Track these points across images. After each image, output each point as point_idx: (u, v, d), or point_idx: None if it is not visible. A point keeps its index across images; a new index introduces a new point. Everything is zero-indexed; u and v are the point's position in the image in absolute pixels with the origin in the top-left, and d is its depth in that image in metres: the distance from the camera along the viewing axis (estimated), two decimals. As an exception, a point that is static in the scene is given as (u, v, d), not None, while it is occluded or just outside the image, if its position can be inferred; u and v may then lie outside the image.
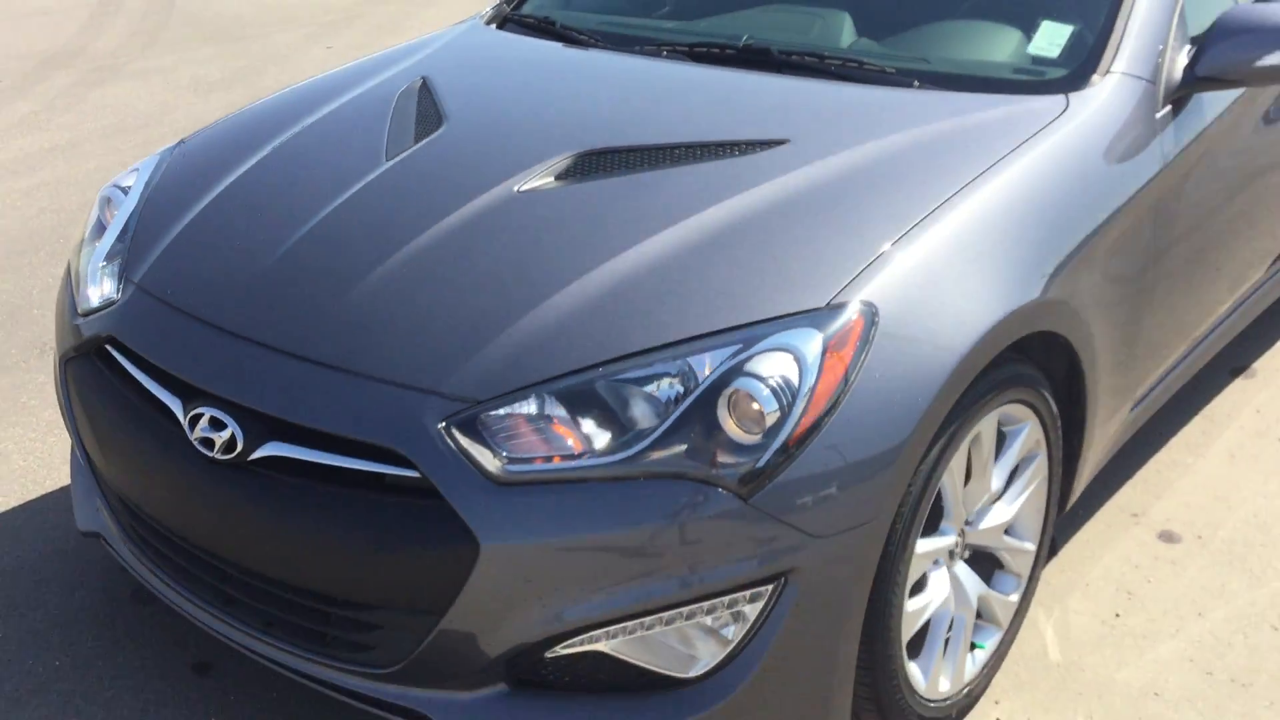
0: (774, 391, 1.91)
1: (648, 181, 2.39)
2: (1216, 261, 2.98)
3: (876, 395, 1.97)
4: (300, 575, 2.07)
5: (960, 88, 2.65)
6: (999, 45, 2.82)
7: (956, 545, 2.33)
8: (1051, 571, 2.84)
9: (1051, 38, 2.77)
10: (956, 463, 2.20)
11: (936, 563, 2.31)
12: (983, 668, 2.47)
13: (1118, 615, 2.72)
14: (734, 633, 1.96)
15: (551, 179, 2.45)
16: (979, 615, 2.46)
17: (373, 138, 2.73)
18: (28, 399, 3.61)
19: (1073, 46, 2.72)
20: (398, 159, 2.61)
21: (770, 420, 1.90)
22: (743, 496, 1.89)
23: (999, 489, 2.37)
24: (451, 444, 1.92)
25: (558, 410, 1.96)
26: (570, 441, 1.93)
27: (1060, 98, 2.57)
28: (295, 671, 2.15)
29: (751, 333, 1.98)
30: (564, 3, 3.46)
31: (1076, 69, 2.65)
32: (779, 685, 2.00)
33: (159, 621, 2.67)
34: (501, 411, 1.96)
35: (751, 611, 1.95)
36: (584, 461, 1.91)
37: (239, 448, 2.06)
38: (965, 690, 2.42)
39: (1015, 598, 2.53)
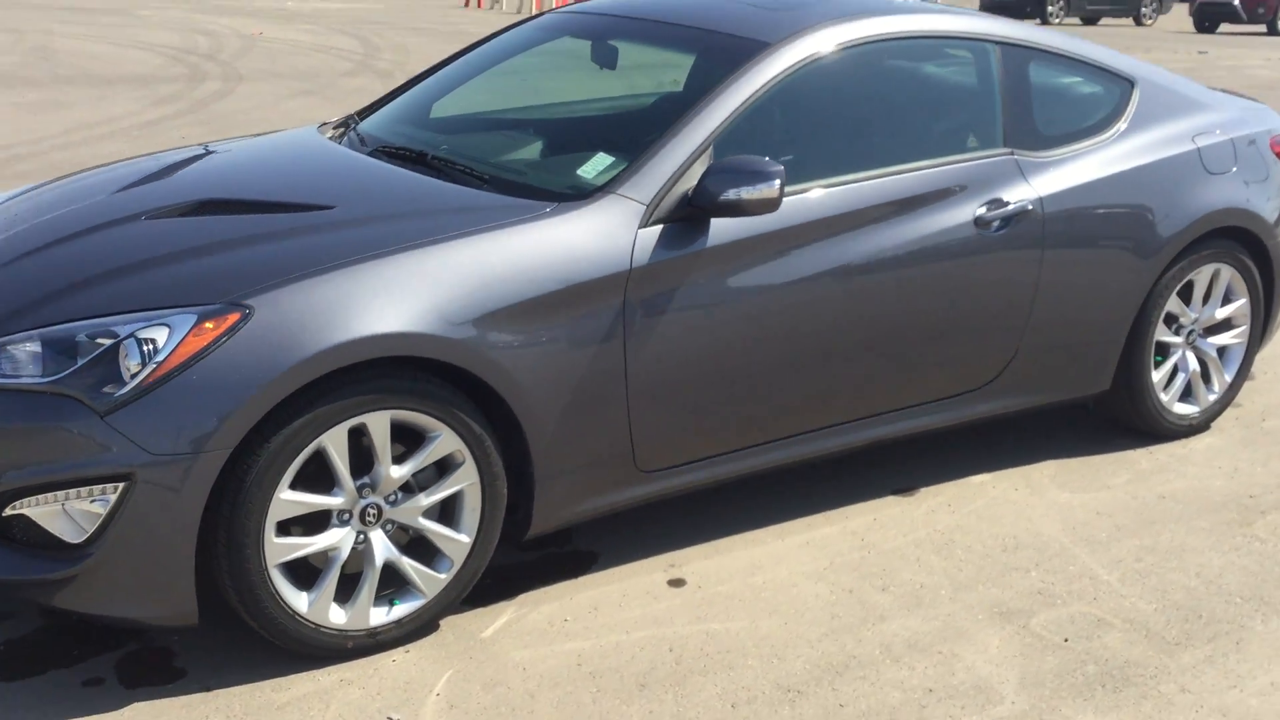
0: (144, 351, 2.83)
1: (211, 220, 3.39)
2: (762, 373, 3.60)
3: (224, 369, 2.84)
4: None
5: (507, 191, 3.49)
6: (578, 167, 3.63)
7: (358, 512, 3.09)
8: (569, 586, 3.51)
9: (596, 165, 3.57)
10: (333, 440, 3.00)
11: (343, 517, 3.09)
12: (396, 621, 3.20)
13: (566, 620, 3.36)
14: (100, 511, 2.84)
15: (172, 214, 3.47)
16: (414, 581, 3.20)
17: (120, 182, 3.84)
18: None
19: (606, 172, 3.51)
20: (109, 195, 3.70)
21: (134, 368, 2.81)
22: (101, 414, 2.80)
23: (401, 477, 3.12)
24: None
25: (33, 346, 2.93)
26: (27, 366, 2.91)
27: (553, 204, 3.37)
28: None
29: (161, 314, 2.91)
30: (388, 120, 4.47)
31: (588, 187, 3.44)
32: (129, 557, 2.86)
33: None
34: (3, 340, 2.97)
35: (111, 498, 2.83)
36: (23, 379, 2.88)
37: None
38: (368, 631, 3.16)
39: (445, 576, 3.25)
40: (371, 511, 3.13)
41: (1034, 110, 4.21)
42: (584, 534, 3.84)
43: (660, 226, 3.41)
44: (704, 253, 3.45)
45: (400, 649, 3.22)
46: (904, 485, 4.24)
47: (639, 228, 3.38)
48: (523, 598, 3.49)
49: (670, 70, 4.33)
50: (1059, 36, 4.41)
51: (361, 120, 4.35)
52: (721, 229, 3.48)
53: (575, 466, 3.38)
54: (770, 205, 3.39)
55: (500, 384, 3.17)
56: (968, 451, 4.50)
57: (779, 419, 3.74)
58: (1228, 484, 4.34)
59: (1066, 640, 3.35)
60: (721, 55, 3.78)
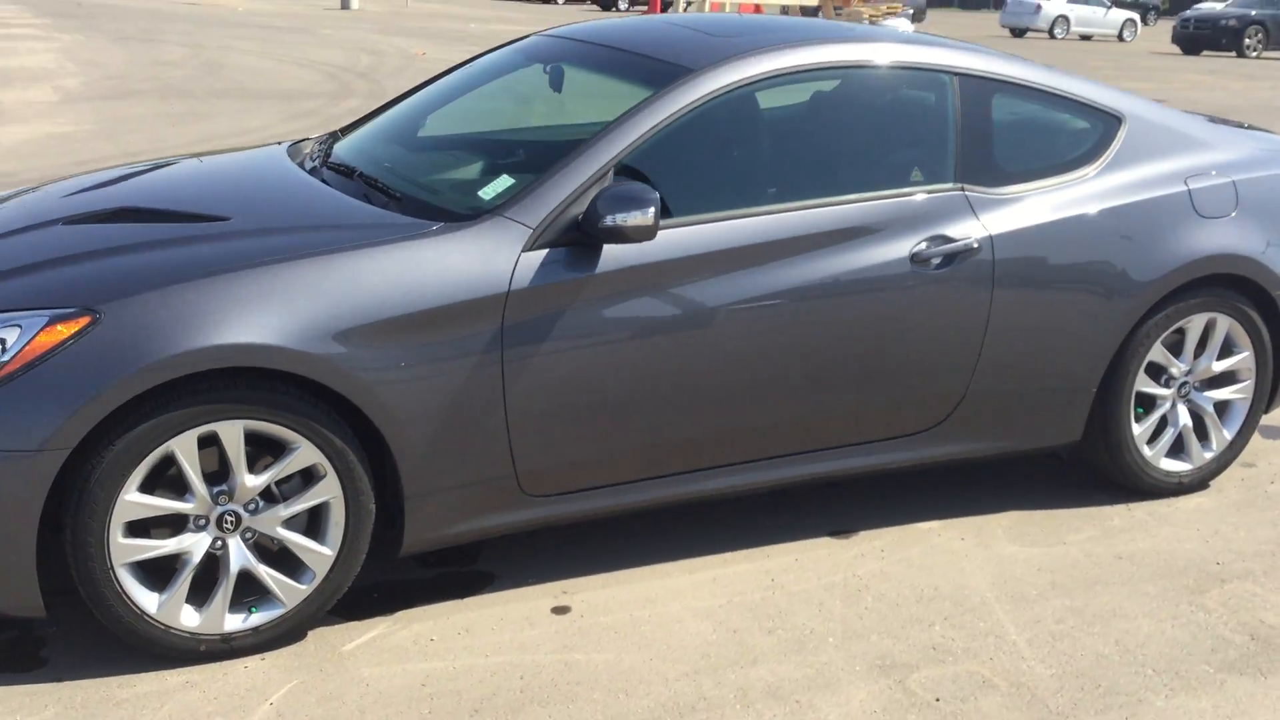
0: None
1: (115, 227, 3.53)
2: (663, 402, 3.54)
3: (69, 370, 2.94)
4: None
5: (411, 210, 3.51)
6: (482, 187, 3.64)
7: (215, 518, 3.16)
8: (452, 606, 3.51)
9: (496, 187, 3.57)
10: (182, 446, 3.07)
11: (199, 523, 3.15)
12: (254, 628, 3.24)
13: (432, 640, 3.36)
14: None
15: (87, 220, 3.61)
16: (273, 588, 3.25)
17: (80, 186, 4.02)
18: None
19: (503, 194, 3.51)
20: (59, 199, 3.87)
21: None
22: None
23: (257, 487, 3.17)
24: None
25: None
26: None
27: (441, 224, 3.39)
28: None
29: (15, 315, 3.03)
30: (359, 137, 4.55)
31: (483, 208, 3.45)
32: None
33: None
34: None
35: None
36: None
37: None
38: (222, 636, 3.22)
39: (306, 587, 3.28)
40: (229, 518, 3.18)
41: (995, 145, 4.04)
42: (489, 554, 3.83)
43: (545, 251, 3.39)
44: (592, 279, 3.42)
45: (257, 656, 3.26)
46: (844, 527, 4.10)
47: (522, 251, 3.37)
48: (402, 614, 3.50)
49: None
50: (1038, 70, 4.21)
51: (343, 136, 4.45)
52: (618, 256, 3.44)
53: (450, 486, 3.38)
54: (646, 233, 3.35)
55: (363, 400, 3.19)
56: (925, 496, 4.33)
57: (685, 452, 3.67)
58: (1200, 548, 4.06)
59: (938, 700, 3.19)
60: (648, 81, 3.74)
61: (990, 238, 3.90)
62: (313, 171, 3.94)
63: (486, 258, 3.34)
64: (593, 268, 3.42)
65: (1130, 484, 4.36)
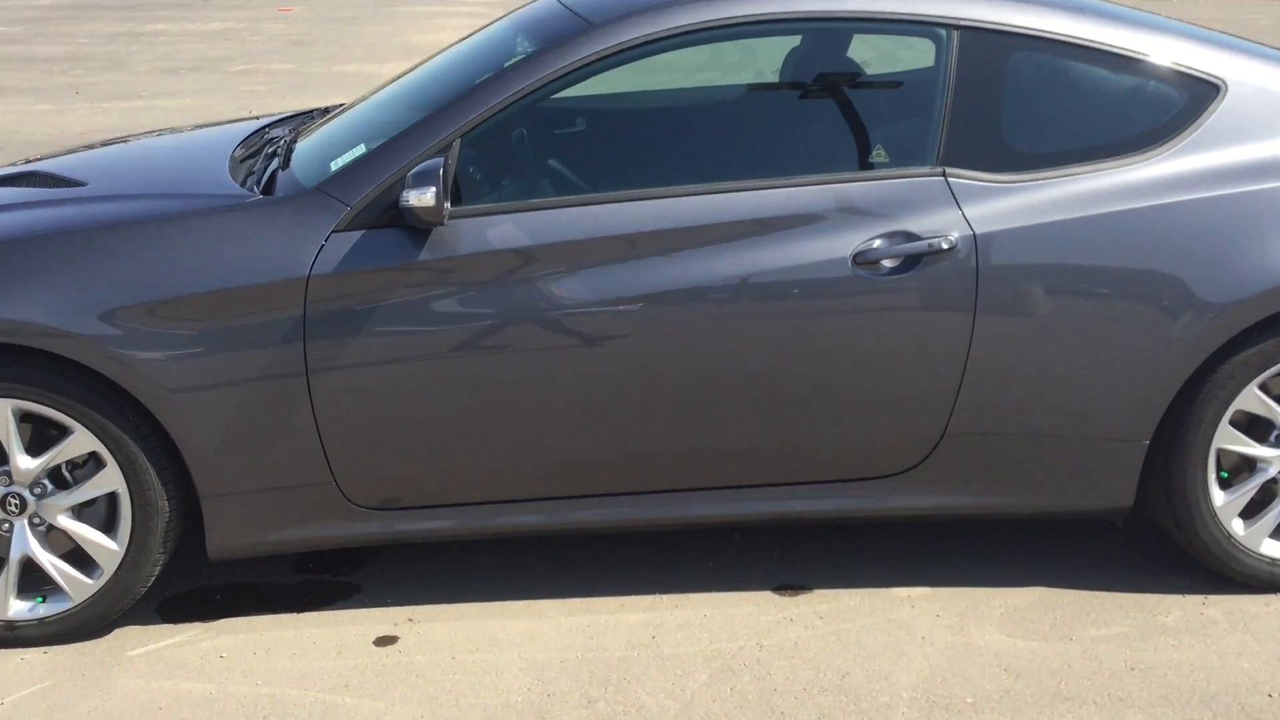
0: None
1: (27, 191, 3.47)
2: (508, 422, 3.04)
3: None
4: None
5: (269, 188, 3.19)
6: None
7: (16, 502, 3.00)
8: (279, 621, 3.20)
9: (346, 157, 3.16)
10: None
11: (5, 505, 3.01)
12: (39, 619, 3.07)
13: (221, 657, 3.05)
14: None
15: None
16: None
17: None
18: None
19: (347, 168, 3.09)
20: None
21: None
22: None
23: (30, 470, 2.98)
24: None
25: None
26: None
27: (259, 198, 3.07)
28: None
29: None
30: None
31: (322, 181, 3.06)
32: None
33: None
34: None
35: None
36: None
37: None
38: (6, 623, 3.07)
39: (94, 583, 3.06)
40: (14, 501, 3.02)
41: (1005, 120, 3.13)
42: (372, 563, 3.46)
43: (361, 233, 2.96)
44: (413, 268, 2.95)
45: (40, 649, 3.09)
46: (798, 581, 3.37)
47: (333, 230, 2.96)
48: (222, 623, 3.21)
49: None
50: (1095, 21, 3.21)
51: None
52: (453, 241, 2.95)
53: (256, 489, 3.05)
54: (431, 215, 2.84)
55: (136, 385, 2.92)
56: (926, 555, 3.48)
57: (560, 476, 3.12)
58: (1259, 669, 2.99)
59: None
60: (544, 39, 3.18)
61: (974, 237, 3.02)
62: (250, 146, 3.67)
63: (294, 236, 2.97)
64: (415, 254, 2.95)
65: (1216, 569, 3.30)
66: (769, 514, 3.22)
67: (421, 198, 2.80)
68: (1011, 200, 3.05)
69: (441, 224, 2.85)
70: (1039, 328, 3.05)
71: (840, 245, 3.00)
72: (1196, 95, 3.16)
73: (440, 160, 2.84)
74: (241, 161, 3.45)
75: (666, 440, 3.09)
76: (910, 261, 3.01)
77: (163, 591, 3.32)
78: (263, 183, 3.20)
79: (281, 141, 3.56)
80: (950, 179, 3.05)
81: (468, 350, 2.98)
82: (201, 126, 4.31)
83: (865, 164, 3.14)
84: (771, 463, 3.16)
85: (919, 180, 3.05)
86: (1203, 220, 3.07)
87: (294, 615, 3.24)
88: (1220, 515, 3.21)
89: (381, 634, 3.14)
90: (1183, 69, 3.17)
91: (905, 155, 3.14)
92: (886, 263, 3.01)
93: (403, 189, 2.85)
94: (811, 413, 3.09)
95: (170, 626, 3.20)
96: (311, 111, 4.06)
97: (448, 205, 2.86)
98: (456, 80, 3.20)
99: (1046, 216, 3.04)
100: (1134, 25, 3.21)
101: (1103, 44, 3.15)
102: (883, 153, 3.14)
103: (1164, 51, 3.18)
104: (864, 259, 3.00)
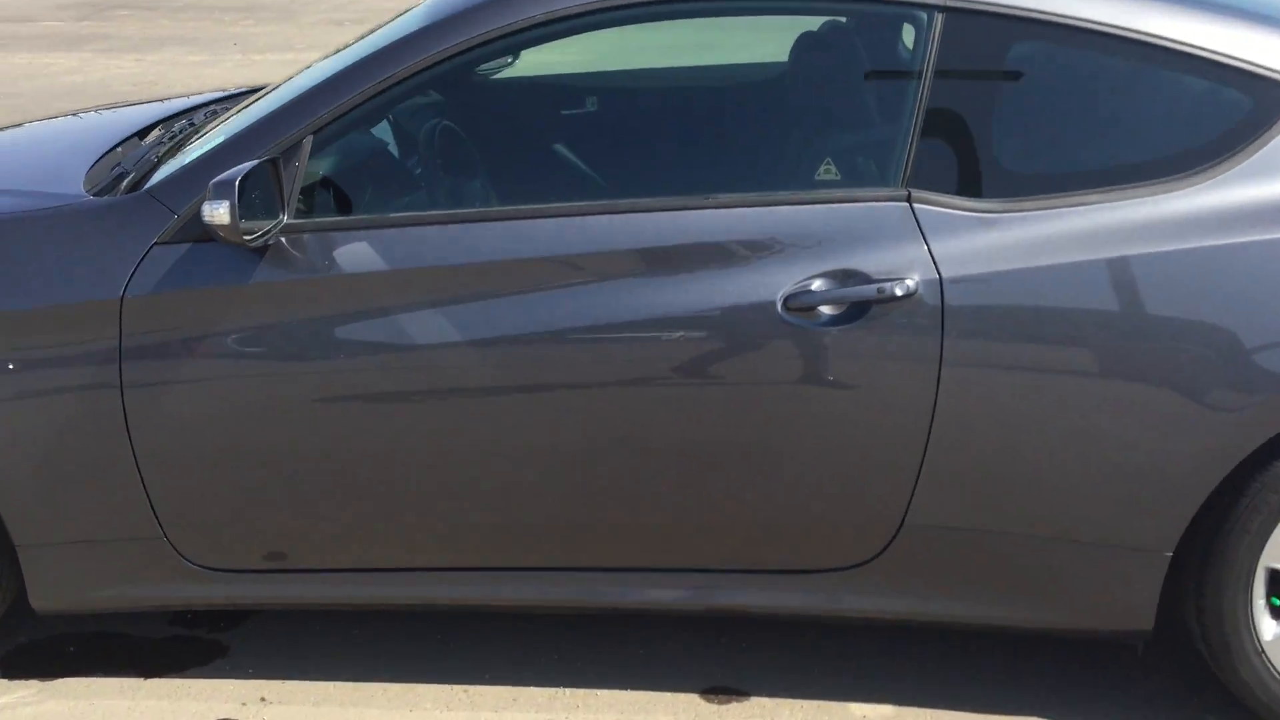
0: None
1: None
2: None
3: None
4: None
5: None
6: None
7: None
8: (120, 686, 2.79)
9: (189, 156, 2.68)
10: None
11: None
12: None
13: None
14: None
15: None
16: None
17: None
18: None
19: (181, 170, 2.61)
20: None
21: None
22: None
23: None
24: None
25: None
26: None
27: (87, 199, 2.65)
28: None
29: None
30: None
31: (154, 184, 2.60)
32: None
33: None
34: None
35: None
36: None
37: None
38: None
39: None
40: None
41: (996, 129, 2.43)
42: (256, 621, 3.00)
43: (188, 246, 2.48)
44: (243, 291, 2.47)
45: None
46: (732, 685, 2.76)
47: (155, 243, 2.49)
48: (60, 684, 2.82)
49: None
50: (1136, 3, 2.47)
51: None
52: (299, 260, 2.47)
53: (78, 540, 2.62)
54: (229, 234, 2.33)
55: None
56: (901, 665, 2.82)
57: (416, 543, 2.61)
58: None
59: None
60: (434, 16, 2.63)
61: (940, 281, 2.35)
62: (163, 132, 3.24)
63: (112, 248, 2.52)
64: (246, 274, 2.46)
65: (1263, 716, 2.55)
66: (688, 605, 2.64)
67: (215, 212, 2.29)
68: (996, 235, 2.36)
69: (243, 244, 2.35)
70: (1024, 404, 2.37)
71: (767, 285, 2.37)
72: (1266, 102, 2.40)
73: (244, 168, 2.33)
74: (133, 153, 3.01)
75: (552, 512, 2.54)
76: (856, 309, 2.36)
77: (16, 638, 2.95)
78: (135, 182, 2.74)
79: (183, 129, 3.11)
80: (916, 205, 2.37)
81: (307, 397, 2.49)
82: (147, 102, 3.89)
83: (807, 182, 2.50)
84: (690, 545, 2.57)
85: (875, 205, 2.39)
86: (1262, 270, 2.32)
87: (140, 681, 2.81)
88: (1270, 652, 2.47)
89: (223, 717, 2.68)
90: (1248, 66, 2.40)
91: (861, 172, 2.50)
92: (825, 309, 2.37)
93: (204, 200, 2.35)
94: (734, 487, 2.49)
95: (5, 683, 2.81)
96: (258, 89, 3.60)
97: (285, 218, 2.38)
98: (333, 66, 2.68)
99: (1041, 258, 2.34)
100: (1180, 6, 2.45)
101: (1136, 31, 2.41)
102: (831, 168, 2.48)
103: (1223, 41, 2.42)
104: (796, 303, 2.36)
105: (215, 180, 2.31)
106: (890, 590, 2.55)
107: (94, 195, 2.65)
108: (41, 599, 2.69)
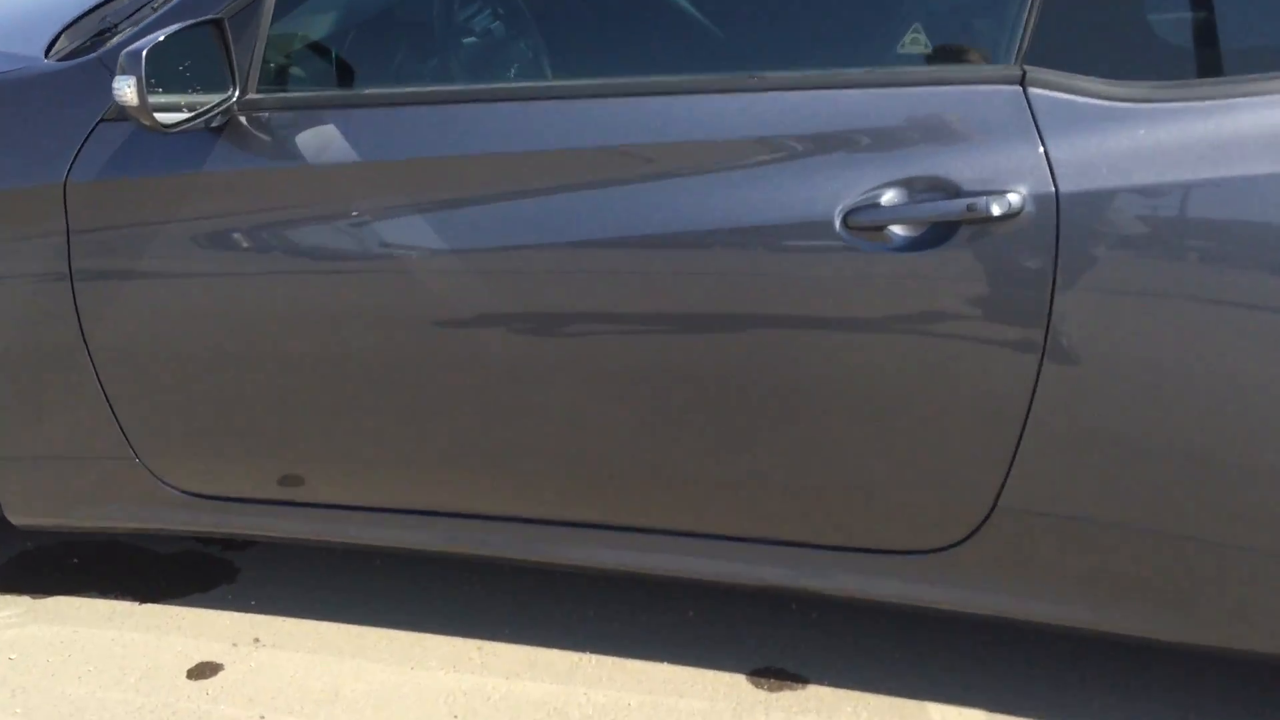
0: None
1: None
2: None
3: None
4: None
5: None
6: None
7: None
8: (108, 610, 2.52)
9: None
10: None
11: None
12: None
13: (11, 659, 2.40)
14: None
15: None
16: None
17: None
18: None
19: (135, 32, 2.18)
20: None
21: None
22: None
23: None
24: None
25: None
26: None
27: (44, 64, 2.25)
28: None
29: None
30: None
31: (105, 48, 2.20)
32: None
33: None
34: None
35: None
36: None
37: None
38: None
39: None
40: None
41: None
42: (276, 547, 2.69)
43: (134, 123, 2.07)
44: (196, 179, 2.05)
45: None
46: (785, 669, 2.29)
47: (100, 118, 2.10)
48: (50, 604, 2.57)
49: None
50: None
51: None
52: (256, 142, 2.04)
53: (44, 455, 2.33)
54: (140, 114, 1.88)
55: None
56: (994, 665, 2.29)
57: (420, 480, 2.20)
58: None
59: None
60: None
61: (1057, 196, 1.74)
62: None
63: (59, 122, 2.13)
64: (198, 159, 2.04)
65: None
66: (726, 577, 2.15)
67: (123, 91, 1.86)
68: (1142, 134, 1.72)
69: (154, 127, 1.91)
70: (1167, 361, 1.76)
71: (824, 197, 1.81)
72: None
73: (165, 32, 1.88)
74: (120, 7, 2.61)
75: (566, 453, 2.08)
76: (938, 231, 1.78)
77: (24, 542, 2.71)
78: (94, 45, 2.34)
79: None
80: (1032, 90, 1.75)
81: (277, 305, 2.08)
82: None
83: (886, 56, 1.89)
84: (732, 506, 2.08)
85: (976, 90, 1.78)
86: None
87: (134, 606, 2.53)
88: None
89: (207, 659, 2.37)
90: None
91: (959, 45, 1.86)
92: (898, 230, 1.79)
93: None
94: (784, 439, 1.97)
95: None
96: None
97: (236, 93, 1.95)
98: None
99: (1209, 168, 1.70)
100: None
101: None
102: (920, 37, 1.87)
103: None
104: (859, 221, 1.80)
105: (129, 50, 1.87)
106: (973, 584, 2.01)
107: (60, 60, 2.26)
108: (18, 514, 2.41)
